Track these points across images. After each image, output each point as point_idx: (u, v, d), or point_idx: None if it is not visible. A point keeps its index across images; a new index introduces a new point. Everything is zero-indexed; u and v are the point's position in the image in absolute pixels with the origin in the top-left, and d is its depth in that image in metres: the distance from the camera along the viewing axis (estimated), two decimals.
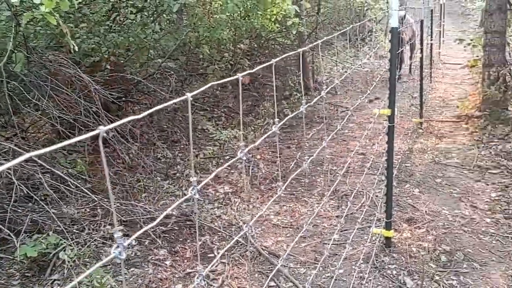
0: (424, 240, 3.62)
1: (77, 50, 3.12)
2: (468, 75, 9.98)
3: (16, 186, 3.50)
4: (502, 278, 3.18)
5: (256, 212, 4.26)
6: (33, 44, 4.25)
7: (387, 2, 15.31)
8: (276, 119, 1.71)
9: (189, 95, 1.17)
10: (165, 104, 1.21)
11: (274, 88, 2.02)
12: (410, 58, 10.36)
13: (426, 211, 4.09)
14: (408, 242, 3.58)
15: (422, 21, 6.85)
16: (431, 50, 10.73)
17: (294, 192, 4.70)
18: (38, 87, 3.64)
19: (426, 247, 3.50)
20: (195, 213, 3.87)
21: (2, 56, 2.96)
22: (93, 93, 3.77)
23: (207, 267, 3.44)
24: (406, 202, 4.31)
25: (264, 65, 1.88)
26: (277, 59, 1.84)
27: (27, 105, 3.64)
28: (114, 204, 3.80)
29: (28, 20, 2.92)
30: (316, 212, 4.16)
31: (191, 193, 1.20)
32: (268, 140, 6.27)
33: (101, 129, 0.90)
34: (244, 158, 1.41)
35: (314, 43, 2.74)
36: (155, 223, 1.20)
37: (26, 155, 0.85)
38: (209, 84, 1.29)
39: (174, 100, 1.20)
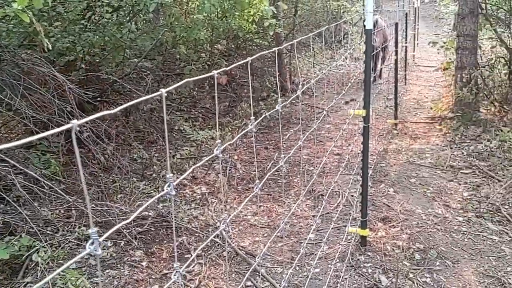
0: (398, 238, 3.68)
1: (51, 49, 3.06)
2: (442, 78, 10.18)
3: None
4: (473, 275, 3.26)
5: (233, 212, 4.26)
6: (5, 42, 4.16)
7: (363, 5, 15.54)
8: (253, 117, 1.71)
9: (163, 91, 1.16)
10: (140, 99, 1.20)
11: (251, 87, 2.03)
12: (382, 63, 10.20)
13: (400, 210, 4.16)
14: (383, 241, 3.64)
15: (397, 24, 6.96)
16: (405, 52, 10.93)
17: (272, 193, 4.72)
18: (10, 86, 3.56)
19: (401, 245, 3.56)
20: (171, 214, 3.85)
21: None
22: (68, 93, 3.71)
23: (184, 268, 3.43)
24: (381, 202, 4.37)
25: (240, 62, 1.88)
26: (253, 57, 1.85)
27: None
28: (89, 205, 3.75)
29: (0, 17, 2.86)
30: (293, 211, 4.18)
31: (167, 189, 1.19)
32: (245, 140, 6.28)
33: (74, 123, 0.89)
34: (220, 155, 1.41)
35: (290, 43, 2.76)
36: (131, 218, 1.19)
37: None
38: (185, 81, 1.29)
39: (149, 96, 1.20)
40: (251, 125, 1.71)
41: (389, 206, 4.28)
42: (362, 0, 15.16)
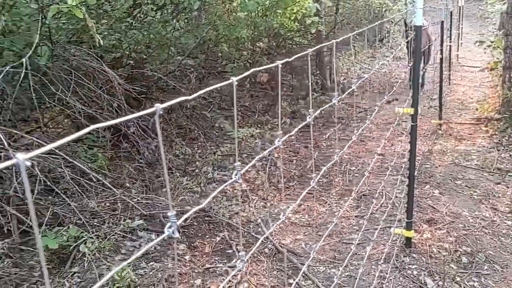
0: (444, 241, 3.58)
1: (101, 44, 3.14)
2: (487, 78, 9.86)
3: (38, 178, 3.54)
4: None
5: (273, 209, 4.25)
6: (56, 38, 4.30)
7: (405, 4, 15.20)
8: (311, 110, 1.71)
9: (234, 80, 1.17)
10: (217, 85, 1.21)
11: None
12: (425, 64, 9.69)
13: (446, 213, 4.04)
14: (428, 243, 3.55)
15: (442, 22, 6.78)
16: (449, 52, 10.64)
17: (312, 191, 4.68)
18: (61, 81, 3.68)
19: (447, 248, 3.46)
20: (215, 211, 3.88)
21: (27, 48, 3.00)
22: (117, 88, 3.80)
23: (226, 262, 3.46)
24: (426, 203, 4.26)
25: (282, 61, 1.87)
26: (295, 56, 1.83)
27: (50, 98, 3.68)
28: (134, 199, 3.84)
29: (53, 14, 2.95)
30: (335, 211, 4.14)
31: (235, 177, 1.20)
32: (289, 139, 6.27)
33: (158, 107, 0.92)
34: (282, 146, 1.41)
35: (331, 41, 2.73)
36: (204, 204, 1.21)
37: (49, 146, 0.85)
38: (231, 80, 1.28)
39: (224, 83, 1.21)
40: (309, 117, 1.70)
41: (434, 208, 4.17)
42: None
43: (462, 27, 15.68)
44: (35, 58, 3.00)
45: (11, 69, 2.88)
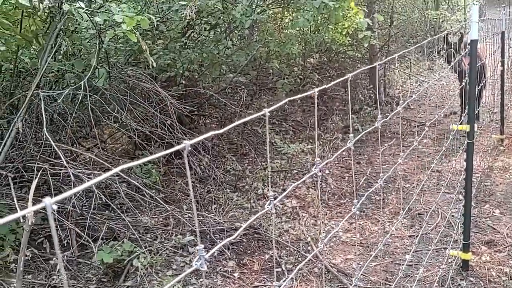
0: (505, 264, 3.38)
1: (154, 65, 3.27)
2: None
3: (95, 194, 3.70)
4: None
5: (324, 228, 4.20)
6: (114, 60, 4.50)
7: (465, 13, 14.69)
8: (351, 135, 1.68)
9: (266, 111, 1.18)
10: (246, 119, 1.23)
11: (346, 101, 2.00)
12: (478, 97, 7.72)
13: (507, 234, 3.82)
14: (487, 266, 3.36)
15: (503, 33, 6.49)
16: None
17: (365, 209, 4.58)
18: (117, 101, 3.85)
19: (508, 272, 3.27)
20: (263, 227, 3.89)
21: (86, 71, 3.17)
22: (169, 107, 3.92)
23: (274, 280, 3.43)
24: (485, 224, 4.05)
25: (338, 80, 1.86)
26: (351, 74, 1.80)
27: (107, 118, 3.86)
28: (185, 215, 3.91)
29: (110, 37, 3.10)
30: (388, 230, 4.02)
31: (267, 207, 1.20)
32: (341, 155, 6.20)
33: (186, 143, 0.94)
34: (320, 173, 1.39)
35: (388, 58, 2.67)
36: (235, 236, 1.22)
37: (116, 169, 0.90)
38: (286, 100, 1.29)
39: (255, 115, 1.22)
40: (349, 142, 1.67)
41: (494, 228, 3.95)
42: (463, 8, 14.37)
43: None
44: (93, 79, 3.17)
45: (71, 91, 3.05)
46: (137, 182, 4.07)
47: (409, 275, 3.38)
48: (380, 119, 1.95)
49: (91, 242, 3.46)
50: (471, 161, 3.21)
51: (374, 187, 2.47)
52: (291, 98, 1.34)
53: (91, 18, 2.74)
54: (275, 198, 1.21)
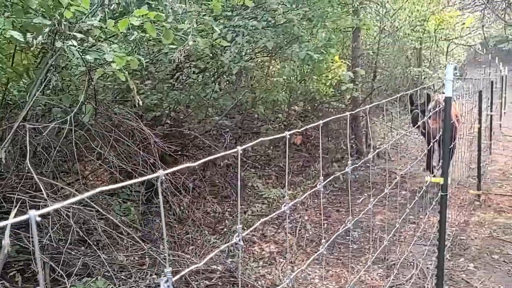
0: None
1: (141, 104, 3.35)
2: None
3: (73, 229, 3.67)
4: None
5: (301, 273, 4.20)
6: (101, 97, 4.58)
7: (445, 68, 15.25)
8: (321, 177, 1.75)
9: (239, 148, 1.25)
10: (218, 155, 1.30)
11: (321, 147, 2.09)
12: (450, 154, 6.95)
13: None
14: None
15: (480, 92, 6.78)
16: (491, 122, 10.49)
17: (341, 257, 4.60)
18: (102, 137, 3.90)
19: None
20: (238, 268, 3.88)
21: (73, 106, 3.24)
22: (152, 145, 3.98)
23: None
24: (459, 277, 4.10)
25: (313, 124, 1.95)
26: (325, 120, 1.91)
27: (90, 153, 3.89)
28: (162, 255, 3.89)
29: (100, 75, 3.19)
30: (363, 279, 4.04)
31: (235, 239, 1.25)
32: (316, 201, 6.26)
33: (161, 173, 0.99)
34: (288, 212, 1.45)
35: (364, 108, 2.80)
36: (201, 263, 1.25)
37: (80, 197, 0.95)
38: (259, 140, 1.37)
39: (226, 152, 1.29)
40: (319, 185, 1.75)
41: (468, 282, 4.00)
42: (444, 66, 14.96)
43: (505, 97, 15.48)
44: (80, 115, 3.23)
45: (57, 125, 3.10)
46: (116, 219, 4.06)
47: None
48: (350, 165, 2.04)
49: (65, 277, 3.40)
50: (444, 213, 3.29)
51: (343, 229, 2.52)
52: (266, 138, 1.41)
53: (82, 56, 2.83)
54: (243, 233, 1.25)
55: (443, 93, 3.20)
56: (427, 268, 4.24)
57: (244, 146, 1.29)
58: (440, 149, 6.01)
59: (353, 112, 2.82)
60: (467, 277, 4.10)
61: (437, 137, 3.94)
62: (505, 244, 4.87)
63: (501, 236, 5.08)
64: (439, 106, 5.70)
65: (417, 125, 5.87)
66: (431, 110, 5.69)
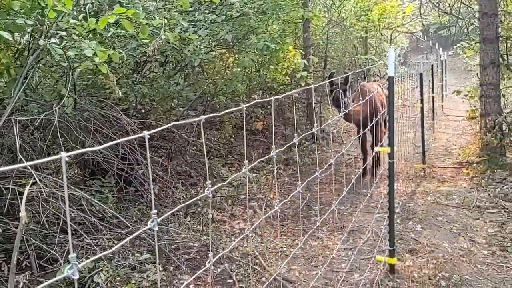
0: (425, 268, 3.95)
1: (120, 95, 3.63)
2: (470, 126, 10.46)
3: (62, 218, 3.95)
4: None
5: (269, 244, 4.62)
6: (78, 88, 4.81)
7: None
8: (274, 146, 2.14)
9: (146, 133, 1.42)
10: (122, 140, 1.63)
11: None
12: (373, 147, 6.47)
13: (427, 244, 4.43)
14: (410, 269, 3.91)
15: (421, 74, 7.42)
16: (433, 103, 11.31)
17: (305, 229, 5.06)
18: (83, 127, 4.14)
19: (427, 273, 3.83)
20: (216, 246, 4.23)
21: (56, 100, 3.47)
22: (130, 133, 4.27)
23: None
24: (409, 236, 4.65)
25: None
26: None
27: (74, 143, 4.13)
28: (141, 235, 4.20)
29: (82, 69, 3.44)
30: (325, 244, 4.51)
31: (150, 224, 1.36)
32: (282, 182, 6.72)
33: (145, 133, 1.28)
34: (210, 195, 1.64)
35: (308, 87, 3.21)
36: (113, 249, 1.59)
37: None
38: (171, 124, 1.62)
39: (131, 137, 1.64)
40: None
41: (416, 240, 4.55)
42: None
43: (445, 80, 16.53)
44: (62, 108, 3.47)
45: (45, 117, 3.34)
46: (96, 207, 4.34)
47: (344, 280, 3.86)
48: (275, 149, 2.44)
49: (57, 255, 3.66)
50: (393, 177, 3.79)
51: (295, 192, 2.94)
52: (176, 123, 1.70)
53: (64, 52, 3.08)
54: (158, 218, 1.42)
55: (375, 80, 3.61)
56: (381, 231, 4.76)
57: (150, 132, 1.42)
58: (370, 132, 6.46)
59: (298, 90, 3.23)
60: (416, 236, 4.66)
61: (360, 123, 4.01)
62: (447, 208, 5.48)
63: (444, 202, 5.70)
64: (364, 91, 5.83)
65: (343, 111, 5.47)
66: (355, 95, 5.77)
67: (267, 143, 8.34)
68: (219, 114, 1.77)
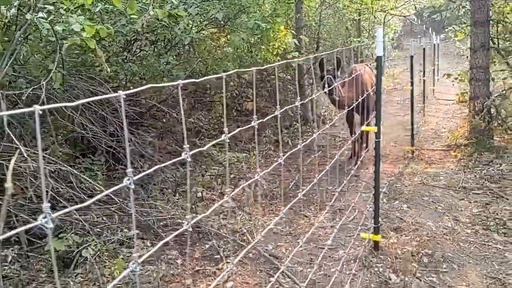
0: (408, 245, 4.03)
1: (109, 71, 3.63)
2: (460, 110, 10.53)
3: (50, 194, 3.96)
4: (477, 277, 3.58)
5: (257, 222, 4.68)
6: (68, 65, 4.79)
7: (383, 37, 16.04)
8: (281, 154, 2.15)
9: (121, 93, 1.46)
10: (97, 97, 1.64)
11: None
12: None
13: (412, 222, 4.51)
14: (394, 246, 3.99)
15: (412, 57, 7.44)
16: (424, 86, 11.36)
17: (293, 207, 5.12)
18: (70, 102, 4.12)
19: (410, 250, 3.91)
20: (204, 223, 4.28)
21: (45, 76, 3.46)
22: (118, 109, 4.27)
23: (214, 266, 3.85)
24: (394, 215, 4.73)
25: (247, 69, 2.36)
26: (258, 68, 2.32)
27: (63, 119, 4.13)
28: (130, 210, 4.24)
29: (70, 44, 3.43)
30: (312, 222, 4.57)
31: (126, 182, 1.32)
32: (268, 163, 6.76)
33: (120, 93, 1.29)
34: (189, 159, 1.64)
35: (293, 60, 3.23)
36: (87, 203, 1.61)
37: None
38: (147, 86, 1.63)
39: (108, 95, 1.65)
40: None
41: (401, 219, 4.63)
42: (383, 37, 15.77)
43: (437, 64, 16.56)
44: (50, 83, 3.46)
45: (32, 91, 3.34)
46: (85, 184, 4.36)
47: (330, 256, 3.93)
48: (256, 119, 2.47)
49: (45, 228, 3.68)
50: (378, 157, 3.84)
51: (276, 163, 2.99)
52: (153, 85, 1.70)
53: (52, 27, 3.07)
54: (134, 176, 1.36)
55: (362, 61, 3.60)
56: (368, 210, 4.84)
57: (127, 92, 1.44)
58: (361, 116, 6.31)
59: (284, 62, 3.25)
60: (401, 215, 4.74)
61: (352, 106, 3.93)
62: (433, 189, 5.56)
63: (431, 183, 5.78)
64: (355, 74, 5.66)
65: (330, 94, 5.45)
66: (346, 78, 5.59)
67: (258, 124, 8.36)
68: (197, 80, 1.78)
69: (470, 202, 5.08)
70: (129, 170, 1.37)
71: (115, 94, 1.41)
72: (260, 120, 2.08)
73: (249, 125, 2.02)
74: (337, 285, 3.50)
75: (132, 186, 1.34)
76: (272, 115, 2.27)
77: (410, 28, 29.46)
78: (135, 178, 1.33)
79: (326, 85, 4.93)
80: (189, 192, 1.84)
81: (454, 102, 11.76)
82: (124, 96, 1.41)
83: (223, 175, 5.90)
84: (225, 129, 1.68)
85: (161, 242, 1.52)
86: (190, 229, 1.47)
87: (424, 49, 11.35)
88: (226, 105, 6.85)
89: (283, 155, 2.16)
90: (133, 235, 4.11)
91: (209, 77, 1.77)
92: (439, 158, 7.05)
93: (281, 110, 2.24)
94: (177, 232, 1.59)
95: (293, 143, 8.00)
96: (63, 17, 3.04)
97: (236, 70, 2.28)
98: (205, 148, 1.78)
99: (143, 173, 1.46)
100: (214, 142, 1.85)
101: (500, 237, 4.20)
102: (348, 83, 5.62)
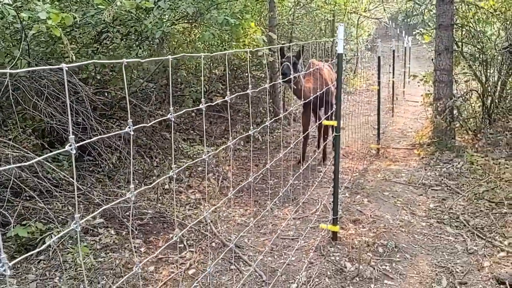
0: (365, 236, 4.19)
1: (74, 59, 3.67)
2: (426, 111, 10.85)
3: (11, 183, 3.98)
4: (428, 266, 3.76)
5: (222, 213, 4.78)
6: (33, 53, 4.79)
7: (357, 43, 16.28)
8: (230, 137, 2.27)
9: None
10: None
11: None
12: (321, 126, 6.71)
13: (370, 215, 4.68)
14: (352, 237, 4.15)
15: (379, 58, 7.65)
16: (393, 87, 11.66)
17: (258, 200, 5.25)
18: (36, 92, 4.15)
19: (367, 241, 4.08)
20: (170, 213, 4.36)
21: (9, 63, 3.48)
22: (85, 97, 4.30)
23: (177, 254, 3.93)
24: (355, 208, 4.90)
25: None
26: (253, 90, 2.43)
27: (28, 106, 4.14)
28: (96, 200, 4.29)
29: (35, 31, 3.46)
30: (275, 214, 4.70)
31: (68, 148, 1.35)
32: (237, 157, 6.86)
33: (63, 66, 1.40)
34: (132, 133, 1.87)
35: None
36: None
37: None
38: (91, 61, 1.77)
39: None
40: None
41: (361, 212, 4.80)
42: (355, 38, 16.09)
43: (409, 67, 16.98)
44: (15, 69, 3.48)
45: None
46: (51, 176, 4.39)
47: (290, 246, 4.07)
48: (204, 103, 2.58)
49: (9, 217, 3.71)
50: (338, 150, 3.99)
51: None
52: (97, 61, 1.82)
53: (17, 13, 3.10)
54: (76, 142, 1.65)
55: (326, 61, 3.70)
56: (330, 204, 4.99)
57: (70, 65, 1.63)
58: (323, 111, 6.44)
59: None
60: (361, 208, 4.91)
61: (311, 97, 3.97)
62: (394, 184, 5.77)
63: (392, 179, 5.99)
64: (313, 67, 5.74)
65: (287, 81, 5.33)
66: (306, 70, 5.65)
67: (227, 120, 8.45)
68: (147, 59, 1.87)
69: (428, 198, 5.30)
70: (72, 137, 1.44)
71: (58, 66, 1.50)
72: (208, 104, 2.18)
73: (197, 107, 2.11)
74: (295, 273, 3.63)
75: (74, 152, 1.37)
76: (225, 98, 2.36)
77: (385, 32, 30.03)
78: (76, 145, 1.39)
79: (282, 71, 5.10)
80: (132, 164, 1.93)
81: (420, 103, 12.13)
82: (67, 69, 1.49)
83: (192, 168, 5.98)
84: (171, 109, 1.77)
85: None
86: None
87: (393, 50, 11.64)
88: (195, 100, 6.88)
89: (232, 140, 2.26)
90: (98, 224, 4.17)
91: (155, 58, 1.87)
92: (403, 156, 7.28)
93: (252, 90, 2.34)
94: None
95: (263, 139, 8.12)
96: (29, 4, 3.07)
97: (188, 54, 2.38)
98: (148, 124, 1.87)
99: (84, 142, 1.55)
100: (158, 120, 1.94)
101: (452, 229, 4.41)
102: (306, 75, 5.74)
